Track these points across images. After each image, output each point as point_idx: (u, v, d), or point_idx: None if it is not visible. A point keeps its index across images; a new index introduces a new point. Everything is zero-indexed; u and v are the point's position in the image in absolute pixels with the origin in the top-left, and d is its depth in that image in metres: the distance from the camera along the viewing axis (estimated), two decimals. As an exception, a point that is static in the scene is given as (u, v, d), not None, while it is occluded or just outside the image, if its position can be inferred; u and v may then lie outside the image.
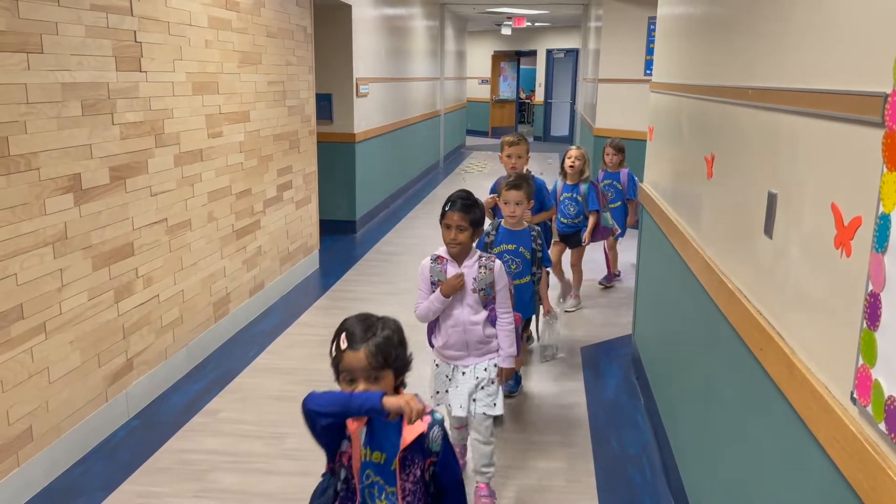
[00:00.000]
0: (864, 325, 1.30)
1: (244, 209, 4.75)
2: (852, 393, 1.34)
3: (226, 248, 4.50)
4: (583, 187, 4.66)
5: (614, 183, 5.74)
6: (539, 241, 3.53)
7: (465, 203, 2.71)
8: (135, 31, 3.43)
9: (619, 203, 5.74)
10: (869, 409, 1.27)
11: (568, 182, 5.00)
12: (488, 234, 3.51)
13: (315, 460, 3.15)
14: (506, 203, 3.48)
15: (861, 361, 1.31)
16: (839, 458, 1.35)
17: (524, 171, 4.03)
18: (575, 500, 2.93)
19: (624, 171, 5.73)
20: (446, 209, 2.74)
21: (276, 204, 5.28)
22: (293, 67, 5.51)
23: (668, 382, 3.24)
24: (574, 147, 4.75)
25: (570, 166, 4.74)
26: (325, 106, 7.15)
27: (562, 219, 5.00)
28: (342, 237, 7.40)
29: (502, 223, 3.57)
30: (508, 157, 4.11)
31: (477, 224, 2.72)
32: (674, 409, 3.08)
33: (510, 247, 3.51)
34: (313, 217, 6.19)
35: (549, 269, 3.57)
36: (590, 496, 2.96)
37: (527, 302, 3.55)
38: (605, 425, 3.56)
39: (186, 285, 4.03)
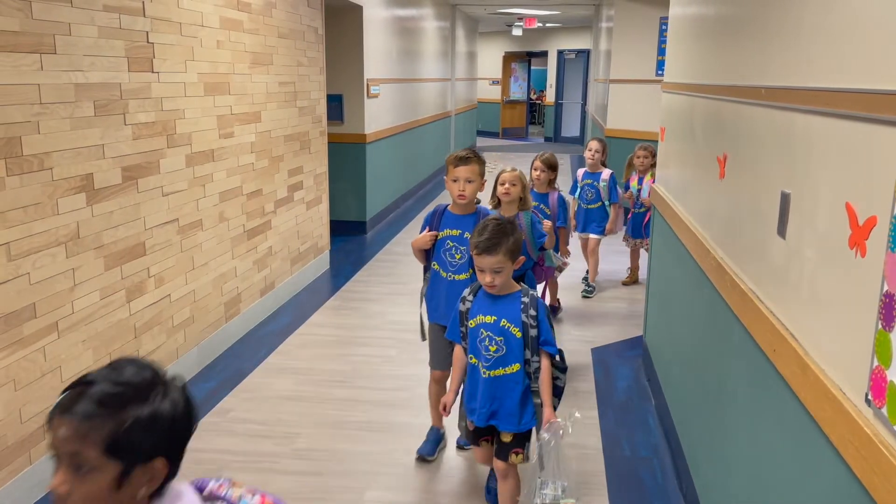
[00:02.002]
0: (879, 325, 1.28)
1: (255, 209, 4.76)
2: (867, 394, 1.33)
3: (237, 249, 4.52)
4: (523, 219, 3.53)
5: (542, 206, 4.56)
6: (534, 312, 2.43)
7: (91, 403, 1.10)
8: (147, 32, 3.45)
9: None
10: (884, 410, 1.26)
11: (503, 214, 3.43)
12: (464, 299, 2.58)
13: (325, 460, 3.16)
14: (454, 180, 2.99)
15: (876, 362, 1.29)
16: (853, 460, 1.34)
17: (475, 201, 3.09)
18: (586, 503, 2.92)
19: (553, 194, 4.66)
20: (52, 415, 1.12)
21: (286, 204, 5.30)
22: (304, 68, 5.52)
23: (680, 384, 3.22)
24: (508, 169, 3.60)
25: (506, 193, 3.53)
26: (335, 107, 7.16)
27: None
28: (353, 238, 7.41)
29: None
30: (454, 181, 3.00)
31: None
32: (685, 411, 3.07)
33: (488, 319, 2.46)
34: (324, 218, 6.20)
35: (555, 354, 2.50)
36: (601, 498, 2.94)
37: (515, 407, 2.47)
38: (615, 427, 3.54)
39: (197, 285, 4.05)
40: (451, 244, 3.05)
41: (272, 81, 4.93)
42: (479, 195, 3.10)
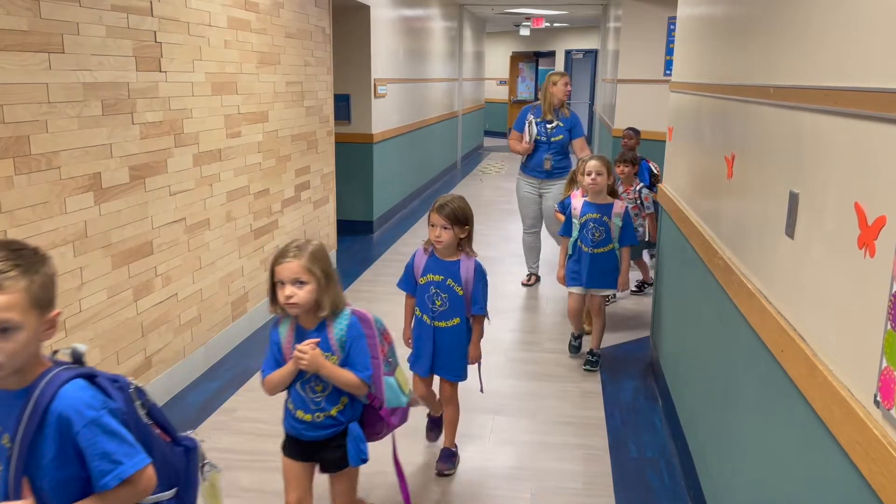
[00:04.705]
0: (889, 326, 1.27)
1: (262, 209, 4.77)
2: (875, 396, 1.32)
3: (244, 248, 4.53)
4: (333, 333, 2.22)
5: (448, 282, 2.90)
6: None
7: None
8: (155, 32, 3.45)
9: (456, 320, 2.93)
10: (893, 412, 1.25)
11: (301, 324, 2.28)
12: None
13: (331, 460, 3.16)
14: (432, 226, 2.85)
15: (885, 364, 1.28)
16: (862, 462, 1.33)
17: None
18: (592, 503, 2.91)
19: (467, 263, 2.91)
20: None
21: (293, 204, 5.30)
22: (311, 68, 5.53)
23: (687, 385, 3.21)
24: (291, 250, 2.16)
25: (290, 304, 2.14)
26: (343, 106, 7.17)
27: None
28: (359, 237, 7.42)
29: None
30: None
31: None
32: (693, 412, 3.05)
33: None
34: (331, 217, 6.20)
35: None
36: (607, 499, 2.93)
37: None
38: (622, 428, 3.53)
39: (204, 284, 4.05)
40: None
41: (279, 81, 4.94)
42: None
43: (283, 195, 5.11)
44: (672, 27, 8.06)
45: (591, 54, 17.94)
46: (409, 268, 3.01)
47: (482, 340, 3.04)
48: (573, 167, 5.18)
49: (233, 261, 4.38)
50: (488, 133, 18.62)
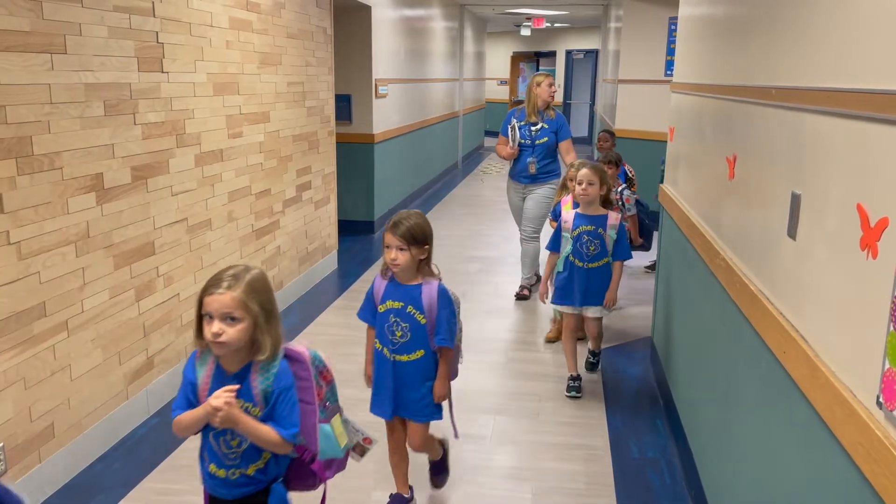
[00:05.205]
0: (891, 327, 1.27)
1: (263, 209, 4.77)
2: (878, 397, 1.32)
3: (245, 248, 4.53)
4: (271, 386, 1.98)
5: (409, 309, 2.56)
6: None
7: None
8: (157, 32, 3.46)
9: (420, 353, 2.58)
10: (895, 413, 1.25)
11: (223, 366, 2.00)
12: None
13: (332, 460, 3.16)
14: (387, 246, 2.50)
15: (888, 365, 1.28)
16: (864, 463, 1.33)
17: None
18: (592, 503, 2.91)
19: (429, 286, 2.57)
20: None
21: (295, 204, 5.31)
22: (313, 68, 5.53)
23: (689, 385, 3.21)
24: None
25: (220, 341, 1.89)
26: (344, 107, 7.18)
27: None
28: (360, 237, 7.42)
29: None
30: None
31: None
32: (694, 413, 3.06)
33: None
34: (332, 217, 6.21)
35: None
36: (607, 499, 2.94)
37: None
38: (623, 428, 3.53)
39: (206, 284, 4.05)
40: None
41: (281, 81, 4.94)
42: None
43: (285, 195, 5.11)
44: (673, 27, 8.07)
45: (592, 54, 17.94)
46: (370, 295, 2.64)
47: (459, 379, 2.76)
48: (562, 169, 5.15)
49: (234, 261, 4.38)
50: (489, 133, 18.61)
